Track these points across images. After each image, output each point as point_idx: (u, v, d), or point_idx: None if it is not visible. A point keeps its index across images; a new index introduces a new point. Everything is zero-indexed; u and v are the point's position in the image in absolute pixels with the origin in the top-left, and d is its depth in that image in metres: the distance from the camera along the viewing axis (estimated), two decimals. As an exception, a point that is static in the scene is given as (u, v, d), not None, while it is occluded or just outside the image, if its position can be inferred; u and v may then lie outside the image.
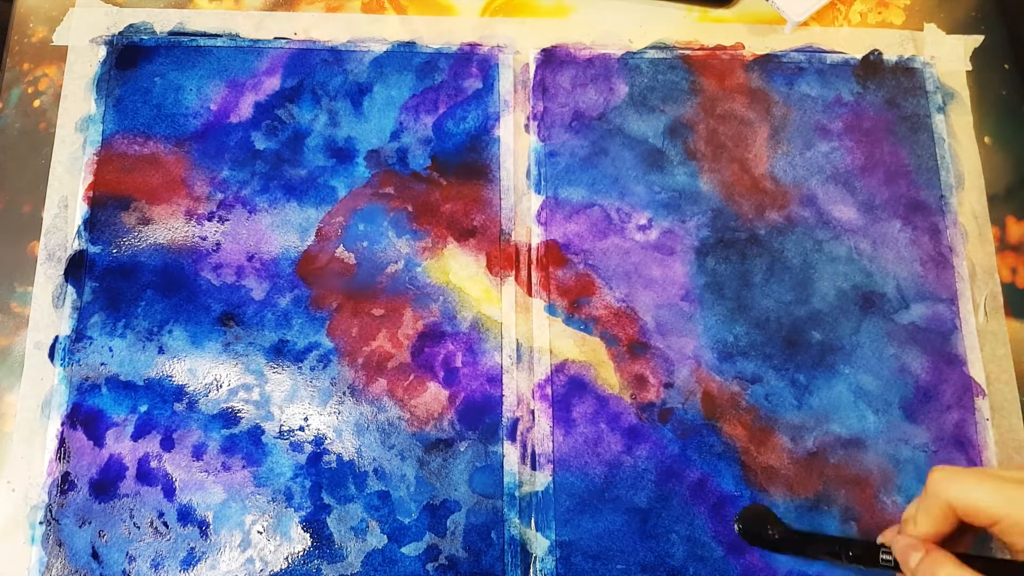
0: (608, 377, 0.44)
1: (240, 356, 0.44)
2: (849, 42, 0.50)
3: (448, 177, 0.47)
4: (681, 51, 0.50)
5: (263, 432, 0.43)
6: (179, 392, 0.43)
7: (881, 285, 0.46)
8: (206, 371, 0.43)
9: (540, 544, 0.41)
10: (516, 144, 0.48)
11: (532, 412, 0.43)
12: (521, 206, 0.47)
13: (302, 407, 0.43)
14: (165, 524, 0.41)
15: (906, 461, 0.43)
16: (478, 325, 0.45)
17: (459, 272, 0.45)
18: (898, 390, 0.44)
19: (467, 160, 0.47)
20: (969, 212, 0.47)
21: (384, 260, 0.46)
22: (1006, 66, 0.50)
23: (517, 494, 0.42)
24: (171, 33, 0.49)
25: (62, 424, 0.42)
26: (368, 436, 0.43)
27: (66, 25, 0.49)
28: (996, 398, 0.44)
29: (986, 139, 0.49)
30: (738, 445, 0.43)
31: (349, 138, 0.48)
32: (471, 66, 0.49)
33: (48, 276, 0.45)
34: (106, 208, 0.46)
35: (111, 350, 0.44)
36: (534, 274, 0.45)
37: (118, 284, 0.45)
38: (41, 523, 0.41)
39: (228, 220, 0.46)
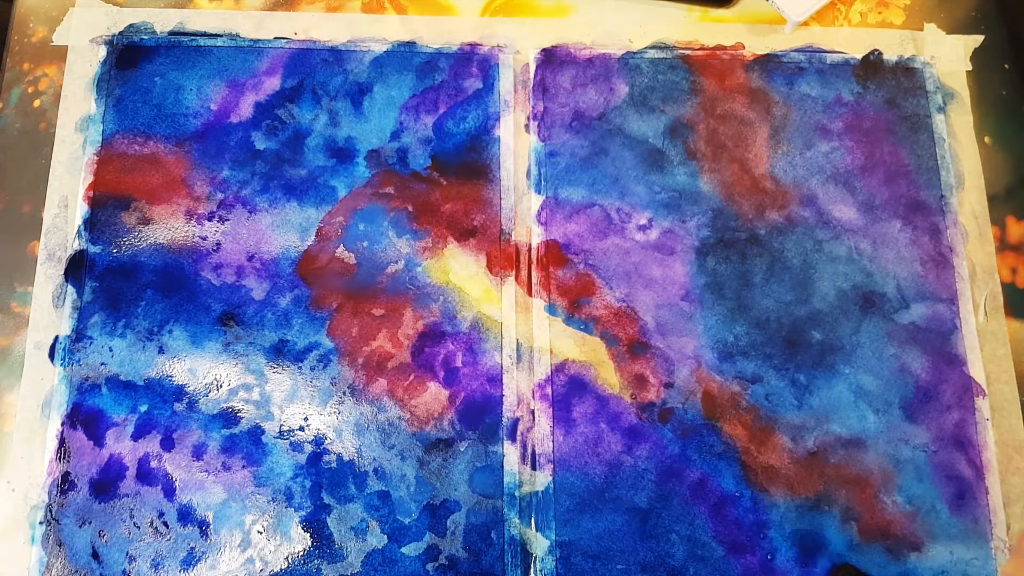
0: (608, 377, 0.44)
1: (240, 356, 0.44)
2: (849, 42, 0.50)
3: (448, 177, 0.47)
4: (681, 51, 0.50)
5: (263, 432, 0.43)
6: (179, 392, 0.43)
7: (881, 285, 0.46)
8: (206, 371, 0.43)
9: (540, 544, 0.41)
10: (516, 144, 0.48)
11: (532, 412, 0.43)
12: (521, 206, 0.47)
13: (302, 407, 0.43)
14: (165, 524, 0.41)
15: (906, 461, 0.43)
16: (478, 325, 0.45)
17: (459, 272, 0.45)
18: (898, 390, 0.44)
19: (467, 160, 0.47)
20: (969, 212, 0.47)
21: (384, 260, 0.46)
22: (1006, 66, 0.50)
23: (517, 494, 0.42)
24: (171, 33, 0.49)
25: (62, 424, 0.42)
26: (368, 436, 0.43)
27: (66, 25, 0.49)
28: (996, 398, 0.44)
29: (986, 139, 0.49)
30: (738, 445, 0.43)
31: (349, 138, 0.48)
32: (471, 66, 0.49)
33: (48, 276, 0.45)
34: (106, 208, 0.46)
35: (111, 350, 0.44)
36: (534, 274, 0.46)
37: (118, 284, 0.45)
38: (41, 523, 0.41)
39: (228, 220, 0.46)
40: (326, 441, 0.43)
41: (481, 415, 0.43)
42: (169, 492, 0.42)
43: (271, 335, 0.44)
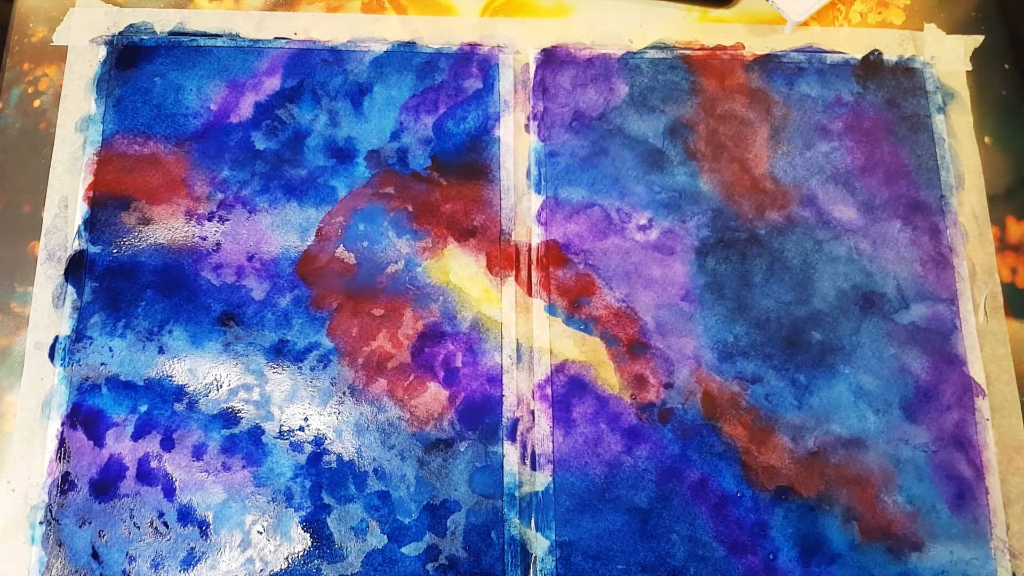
0: (608, 377, 0.44)
1: (240, 356, 0.44)
2: (849, 42, 0.50)
3: (448, 177, 0.47)
4: (681, 51, 0.50)
5: (263, 432, 0.43)
6: (179, 392, 0.43)
7: (881, 285, 0.46)
8: (206, 371, 0.43)
9: (540, 544, 0.41)
10: (516, 144, 0.48)
11: (532, 412, 0.43)
12: (521, 206, 0.47)
13: (302, 407, 0.43)
14: (165, 524, 0.41)
15: (906, 461, 0.43)
16: (478, 325, 0.45)
17: (459, 272, 0.45)
18: (898, 390, 0.44)
19: (467, 160, 0.47)
20: (969, 212, 0.47)
21: (384, 260, 0.46)
22: (1006, 66, 0.50)
23: (517, 494, 0.42)
24: (171, 33, 0.49)
25: (62, 424, 0.42)
26: (368, 436, 0.43)
27: (66, 25, 0.49)
28: (996, 398, 0.44)
29: (986, 139, 0.49)
30: (738, 445, 0.43)
31: (349, 138, 0.48)
32: (471, 66, 0.49)
33: (48, 276, 0.45)
34: (106, 208, 0.46)
35: (111, 350, 0.44)
36: (534, 274, 0.45)
37: (118, 284, 0.45)
38: (41, 523, 0.41)
39: (228, 220, 0.46)
40: (326, 441, 0.43)
41: (481, 415, 0.43)
42: (169, 492, 0.42)
43: (271, 335, 0.44)
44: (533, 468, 0.43)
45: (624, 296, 0.45)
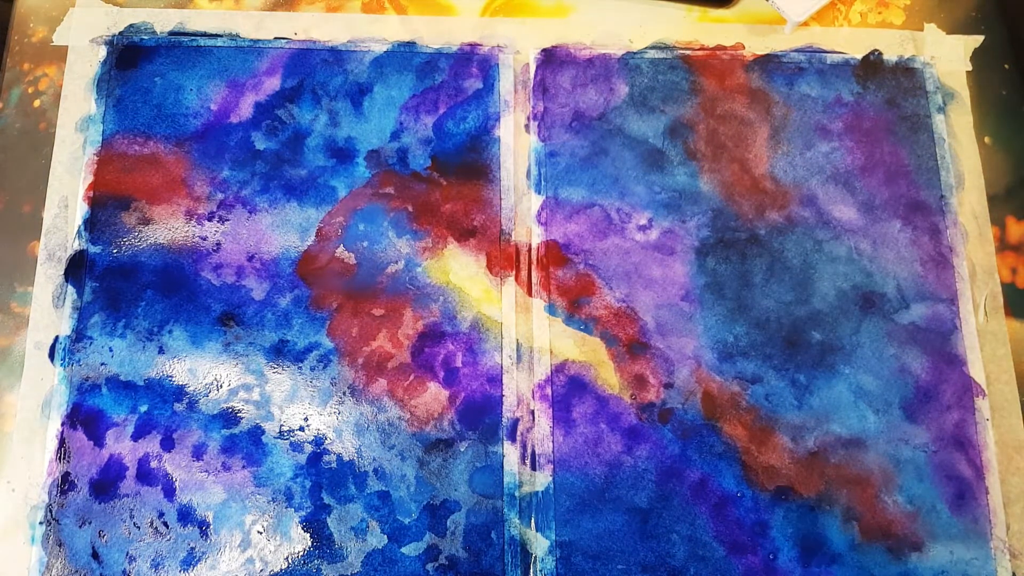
0: (608, 377, 0.44)
1: (240, 356, 0.44)
2: (849, 42, 0.50)
3: (448, 177, 0.47)
4: (681, 51, 0.50)
5: (263, 432, 0.43)
6: (179, 392, 0.43)
7: (881, 285, 0.46)
8: (206, 371, 0.43)
9: (540, 544, 0.41)
10: (516, 144, 0.48)
11: (532, 412, 0.43)
12: (521, 206, 0.47)
13: (302, 407, 0.43)
14: (165, 524, 0.41)
15: (906, 461, 0.43)
16: (478, 325, 0.45)
17: (459, 272, 0.45)
18: (898, 390, 0.44)
19: (467, 160, 0.47)
20: (969, 212, 0.47)
21: (384, 260, 0.46)
22: (1006, 66, 0.50)
23: (517, 494, 0.42)
24: (171, 33, 0.49)
25: (62, 424, 0.42)
26: (368, 436, 0.43)
27: (66, 25, 0.49)
28: (996, 398, 0.44)
29: (986, 139, 0.49)
30: (738, 445, 0.43)
31: (349, 138, 0.48)
32: (471, 66, 0.49)
33: (48, 276, 0.45)
34: (106, 208, 0.46)
35: (111, 350, 0.44)
36: (534, 274, 0.45)
37: (118, 284, 0.45)
38: (41, 523, 0.41)
39: (228, 220, 0.46)
40: (326, 441, 0.43)
41: (481, 415, 0.43)
42: (169, 492, 0.42)
43: (271, 335, 0.44)
44: (533, 468, 0.43)
45: (624, 296, 0.45)
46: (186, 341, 0.44)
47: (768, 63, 0.50)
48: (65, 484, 0.42)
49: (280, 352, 0.44)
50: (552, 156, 0.48)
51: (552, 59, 0.49)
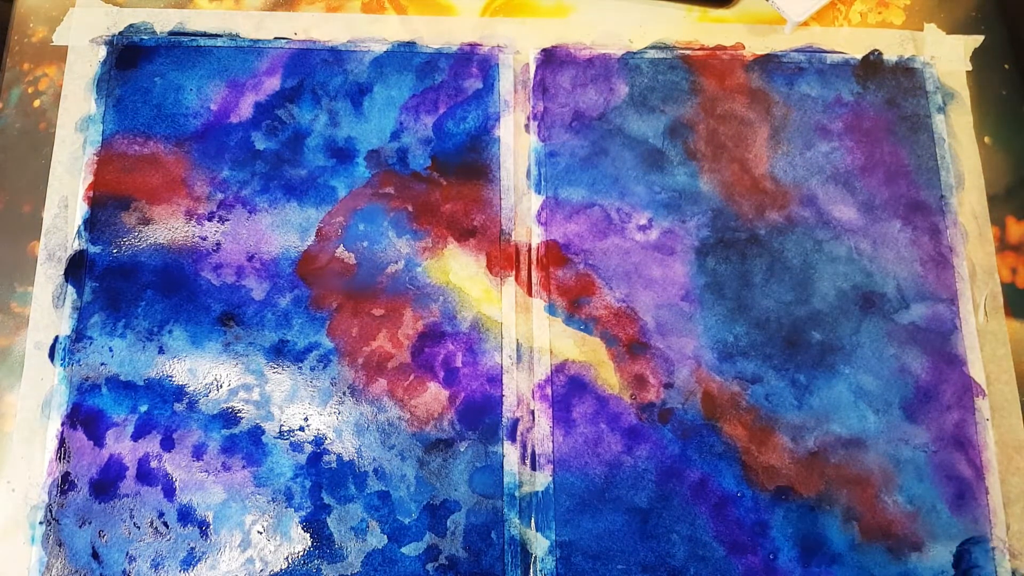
0: (608, 377, 0.44)
1: (240, 356, 0.44)
2: (849, 42, 0.50)
3: (448, 177, 0.47)
4: (681, 51, 0.50)
5: (263, 432, 0.43)
6: (179, 392, 0.43)
7: (881, 285, 0.46)
8: (206, 371, 0.43)
9: (540, 544, 0.41)
10: (516, 144, 0.48)
11: (532, 412, 0.43)
12: (521, 206, 0.47)
13: (302, 407, 0.43)
14: (165, 524, 0.41)
15: (906, 461, 0.43)
16: (478, 325, 0.45)
17: (459, 272, 0.45)
18: (898, 390, 0.44)
19: (467, 160, 0.47)
20: (969, 212, 0.47)
21: (384, 260, 0.46)
22: (1006, 66, 0.50)
23: (517, 494, 0.42)
24: (171, 33, 0.49)
25: (62, 424, 0.42)
26: (368, 436, 0.43)
27: (66, 25, 0.49)
28: (996, 398, 0.44)
29: (986, 139, 0.49)
30: (738, 445, 0.43)
31: (349, 138, 0.48)
32: (471, 66, 0.49)
33: (48, 276, 0.45)
34: (106, 208, 0.46)
35: (111, 350, 0.44)
36: (534, 274, 0.45)
37: (118, 284, 0.45)
38: (41, 523, 0.41)
39: (228, 220, 0.46)
40: (326, 441, 0.43)
41: (481, 415, 0.43)
42: (169, 492, 0.42)
43: (271, 335, 0.44)
44: (533, 468, 0.43)
45: (624, 296, 0.45)
46: (186, 341, 0.44)
47: (768, 63, 0.50)
48: (65, 484, 0.42)
49: (280, 352, 0.44)
50: (552, 156, 0.48)
51: (552, 59, 0.49)
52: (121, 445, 0.42)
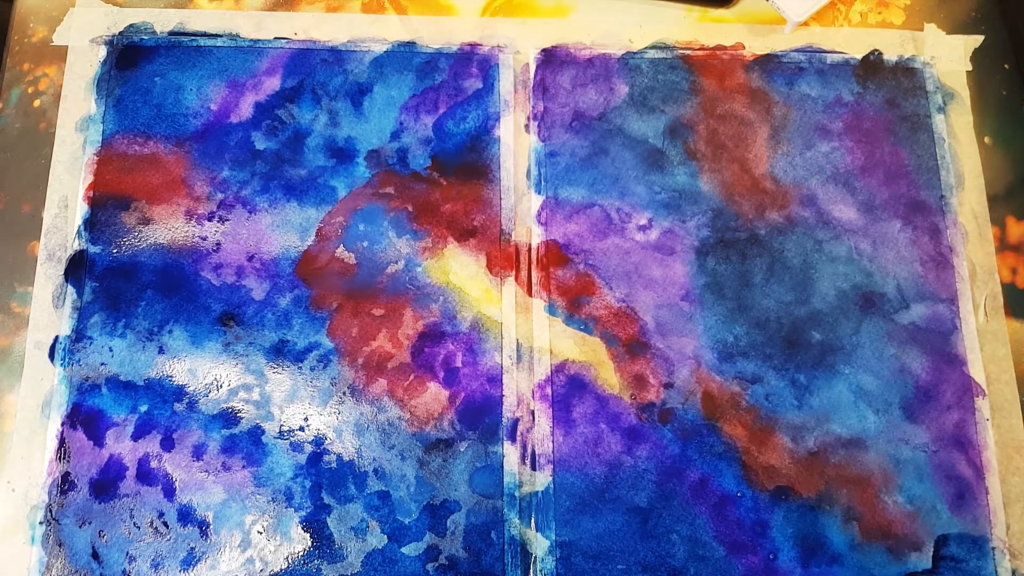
0: (608, 377, 0.44)
1: (240, 356, 0.44)
2: (849, 42, 0.50)
3: (448, 177, 0.47)
4: (681, 51, 0.50)
5: (263, 432, 0.43)
6: (179, 392, 0.43)
7: (881, 285, 0.46)
8: (206, 371, 0.43)
9: (540, 544, 0.41)
10: (516, 144, 0.48)
11: (532, 412, 0.43)
12: (521, 206, 0.47)
13: (302, 407, 0.43)
14: (165, 524, 0.41)
15: (906, 461, 0.43)
16: (478, 325, 0.45)
17: (459, 272, 0.45)
18: (898, 390, 0.44)
19: (467, 160, 0.47)
20: (969, 212, 0.47)
21: (384, 260, 0.46)
22: (1006, 66, 0.50)
23: (517, 494, 0.42)
24: (171, 33, 0.49)
25: (62, 424, 0.42)
26: (368, 436, 0.43)
27: (66, 25, 0.49)
28: (996, 398, 0.44)
29: (986, 139, 0.49)
30: (739, 445, 0.43)
31: (349, 138, 0.48)
32: (471, 66, 0.49)
33: (48, 276, 0.45)
34: (106, 208, 0.46)
35: (111, 350, 0.44)
36: (534, 274, 0.45)
37: (118, 284, 0.45)
38: (41, 523, 0.41)
39: (228, 220, 0.46)
40: (326, 441, 0.43)
41: (481, 415, 0.43)
42: (169, 492, 0.42)
43: (271, 335, 0.44)
44: (533, 468, 0.43)
45: (624, 296, 0.45)
46: (186, 341, 0.44)
47: (768, 63, 0.50)
48: (65, 484, 0.42)
49: (280, 352, 0.44)
50: (552, 156, 0.48)
51: (552, 59, 0.49)
52: (121, 445, 0.42)
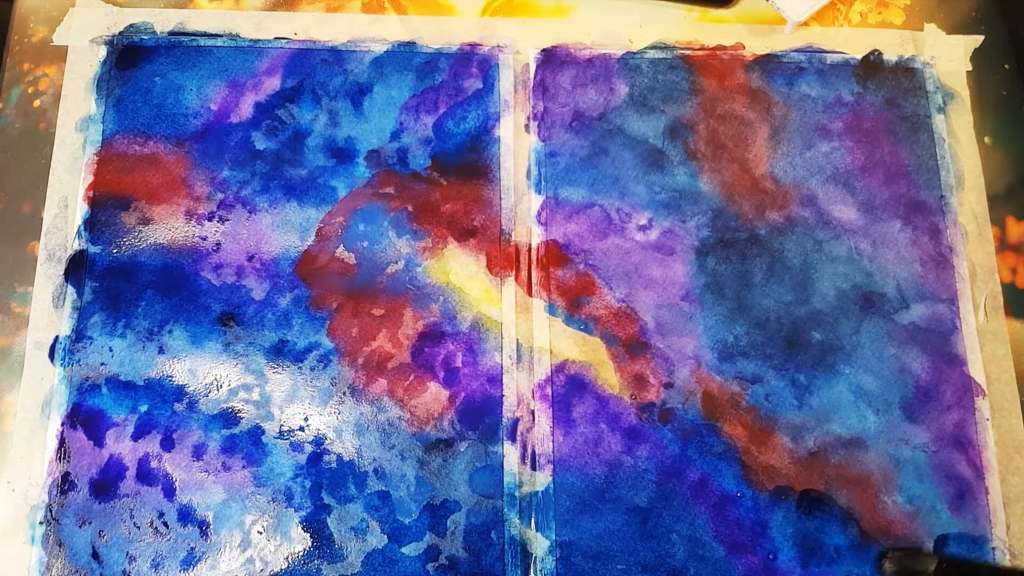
0: (608, 377, 0.44)
1: (240, 356, 0.44)
2: (849, 42, 0.50)
3: (448, 177, 0.47)
4: (681, 51, 0.50)
5: (263, 432, 0.43)
6: (179, 392, 0.43)
7: (881, 285, 0.46)
8: (206, 371, 0.43)
9: (540, 544, 0.41)
10: (516, 144, 0.48)
11: (532, 412, 0.43)
12: (521, 206, 0.47)
13: (302, 407, 0.43)
14: (165, 524, 0.41)
15: (906, 461, 0.43)
16: (478, 325, 0.45)
17: (459, 272, 0.45)
18: (898, 390, 0.44)
19: (467, 160, 0.47)
20: (969, 212, 0.47)
21: (384, 260, 0.46)
22: (1006, 66, 0.50)
23: (517, 494, 0.42)
24: (171, 33, 0.49)
25: (62, 424, 0.42)
26: (368, 436, 0.43)
27: (66, 25, 0.49)
28: (996, 398, 0.44)
29: (986, 139, 0.49)
30: (738, 445, 0.43)
31: (349, 138, 0.48)
32: (471, 66, 0.49)
33: (48, 276, 0.45)
34: (106, 208, 0.46)
35: (111, 350, 0.44)
36: (534, 274, 0.45)
37: (118, 284, 0.45)
38: (41, 523, 0.41)
39: (228, 220, 0.46)
40: (326, 441, 0.43)
41: (481, 415, 0.43)
42: (169, 492, 0.42)
43: (271, 335, 0.44)
44: (533, 468, 0.43)
45: (624, 296, 0.45)
46: (186, 341, 0.44)
47: (768, 63, 0.50)
48: (65, 484, 0.42)
49: (280, 352, 0.44)
50: (552, 156, 0.48)
51: (552, 59, 0.49)
52: (121, 445, 0.42)
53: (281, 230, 0.46)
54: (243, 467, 0.42)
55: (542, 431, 0.43)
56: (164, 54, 0.49)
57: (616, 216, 0.47)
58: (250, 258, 0.45)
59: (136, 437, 0.42)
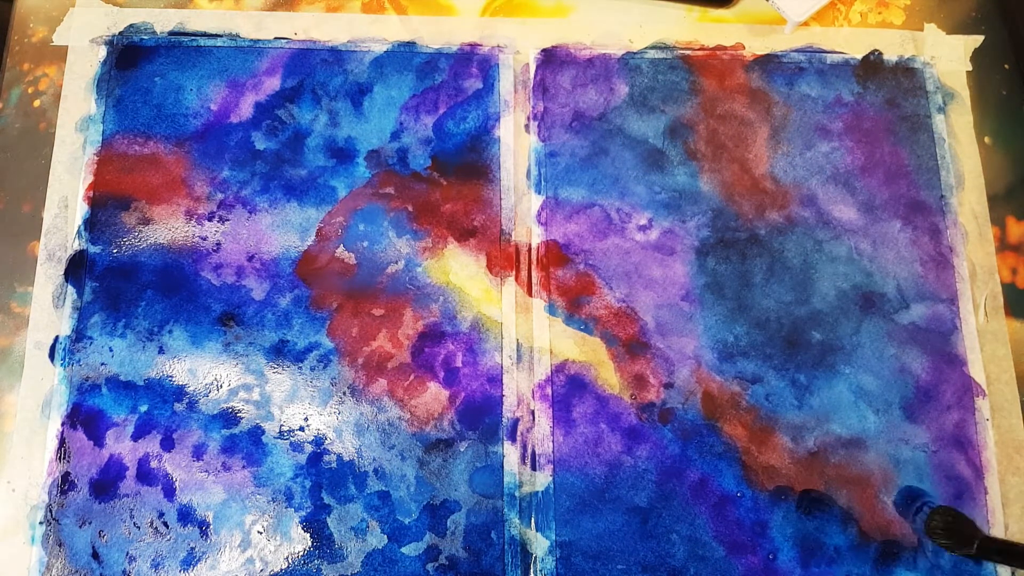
0: (608, 377, 0.44)
1: (240, 356, 0.44)
2: (849, 42, 0.50)
3: (448, 177, 0.47)
4: (681, 51, 0.50)
5: (263, 432, 0.43)
6: (179, 392, 0.43)
7: (881, 285, 0.46)
8: (206, 371, 0.43)
9: (540, 544, 0.41)
10: (516, 144, 0.48)
11: (532, 412, 0.43)
12: (521, 206, 0.47)
13: (302, 407, 0.43)
14: (165, 524, 0.41)
15: (906, 461, 0.43)
16: (478, 325, 0.45)
17: (459, 272, 0.45)
18: (898, 390, 0.44)
19: (467, 160, 0.47)
20: (969, 212, 0.47)
21: (384, 260, 0.46)
22: (1006, 66, 0.50)
23: (517, 494, 0.42)
24: (171, 33, 0.49)
25: (62, 424, 0.42)
26: (368, 436, 0.43)
27: (66, 25, 0.49)
28: (996, 398, 0.44)
29: (986, 139, 0.49)
30: (738, 445, 0.43)
31: (349, 138, 0.48)
32: (471, 66, 0.49)
33: (48, 276, 0.45)
34: (106, 208, 0.46)
35: (111, 350, 0.44)
36: (534, 274, 0.45)
37: (118, 284, 0.45)
38: (41, 523, 0.41)
39: (228, 220, 0.46)
40: (326, 441, 0.43)
41: (481, 415, 0.43)
42: (169, 492, 0.42)
43: (271, 335, 0.44)
44: (533, 468, 0.43)
45: (624, 296, 0.45)
46: (186, 341, 0.44)
47: (768, 63, 0.50)
48: (65, 484, 0.42)
49: (280, 352, 0.44)
50: (552, 156, 0.48)
51: (552, 59, 0.49)
52: (121, 445, 0.42)
53: (281, 230, 0.46)
54: (243, 467, 0.42)
55: (542, 431, 0.43)
56: (164, 54, 0.49)
57: (616, 216, 0.47)
58: (250, 258, 0.45)
59: (136, 437, 0.42)
